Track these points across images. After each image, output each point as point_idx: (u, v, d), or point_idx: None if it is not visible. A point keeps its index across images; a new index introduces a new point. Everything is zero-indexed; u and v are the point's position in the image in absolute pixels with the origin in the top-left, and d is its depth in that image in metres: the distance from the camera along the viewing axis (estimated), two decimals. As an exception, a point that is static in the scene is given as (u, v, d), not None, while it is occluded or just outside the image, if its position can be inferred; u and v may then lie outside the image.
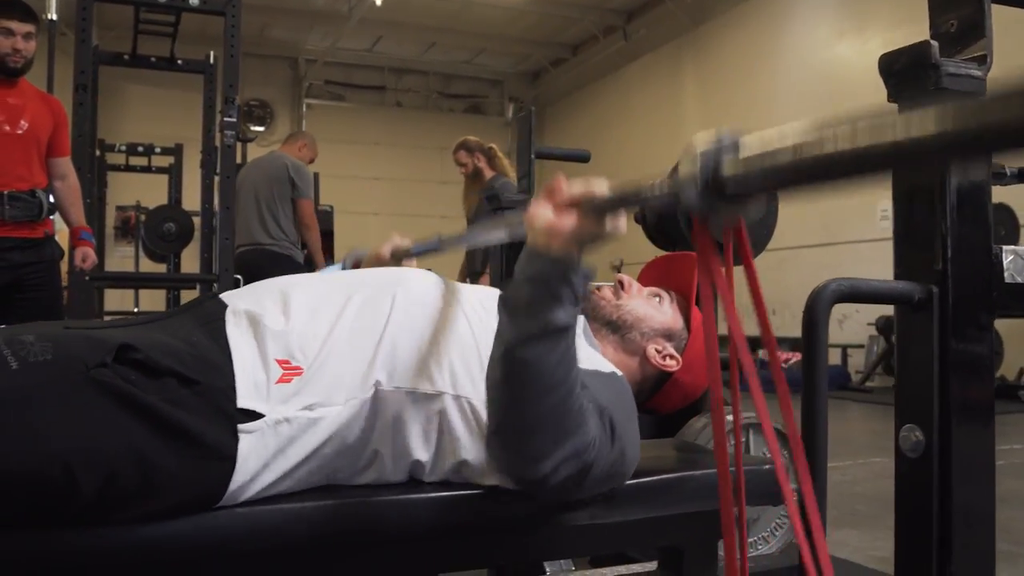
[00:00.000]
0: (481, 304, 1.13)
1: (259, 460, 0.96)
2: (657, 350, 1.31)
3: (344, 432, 1.00)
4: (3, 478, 0.86)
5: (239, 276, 3.93)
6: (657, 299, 1.37)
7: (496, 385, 0.95)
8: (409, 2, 11.37)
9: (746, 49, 10.17)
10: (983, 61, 0.86)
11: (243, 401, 0.96)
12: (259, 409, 0.96)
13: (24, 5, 3.05)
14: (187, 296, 10.44)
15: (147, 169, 7.97)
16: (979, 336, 0.89)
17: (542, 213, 0.90)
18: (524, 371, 0.90)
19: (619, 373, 1.17)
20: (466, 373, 1.05)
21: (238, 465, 0.94)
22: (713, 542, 1.35)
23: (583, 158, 2.18)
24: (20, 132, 2.96)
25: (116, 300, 8.72)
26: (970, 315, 0.89)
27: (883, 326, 7.58)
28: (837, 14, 8.93)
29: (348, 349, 1.02)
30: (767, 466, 1.29)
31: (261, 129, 13.40)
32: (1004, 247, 0.91)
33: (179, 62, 4.98)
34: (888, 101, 0.96)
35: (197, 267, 9.20)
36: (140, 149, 7.51)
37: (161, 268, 8.41)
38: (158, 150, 7.61)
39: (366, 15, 11.30)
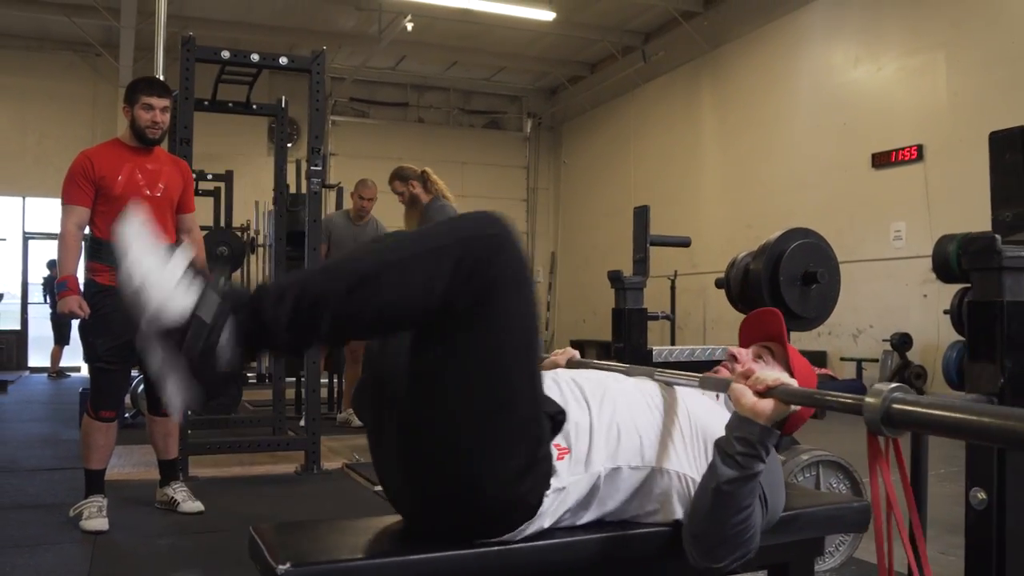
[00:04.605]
0: (662, 396, 1.56)
1: (544, 512, 1.40)
2: None
3: (587, 494, 1.44)
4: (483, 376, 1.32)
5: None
6: (761, 359, 1.77)
7: (702, 508, 1.38)
8: (434, 24, 11.79)
9: (762, 73, 10.55)
10: (1031, 245, 1.28)
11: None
12: (551, 481, 1.40)
13: (162, 83, 3.47)
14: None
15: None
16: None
17: (748, 396, 1.34)
18: (724, 500, 1.34)
19: None
20: (663, 449, 1.48)
21: (538, 513, 1.38)
22: (811, 560, 1.78)
23: (685, 244, 2.62)
24: (159, 195, 3.38)
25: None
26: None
27: (897, 342, 7.95)
28: (852, 41, 9.28)
29: (596, 437, 1.45)
30: (854, 503, 1.73)
31: (288, 146, 13.83)
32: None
33: (254, 106, 5.37)
34: (963, 269, 1.37)
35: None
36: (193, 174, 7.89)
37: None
38: (209, 176, 8.02)
39: (396, 37, 11.74)
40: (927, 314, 7.93)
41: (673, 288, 9.80)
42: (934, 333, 7.82)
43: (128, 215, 1.29)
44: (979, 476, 1.30)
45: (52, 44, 12.53)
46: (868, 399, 1.10)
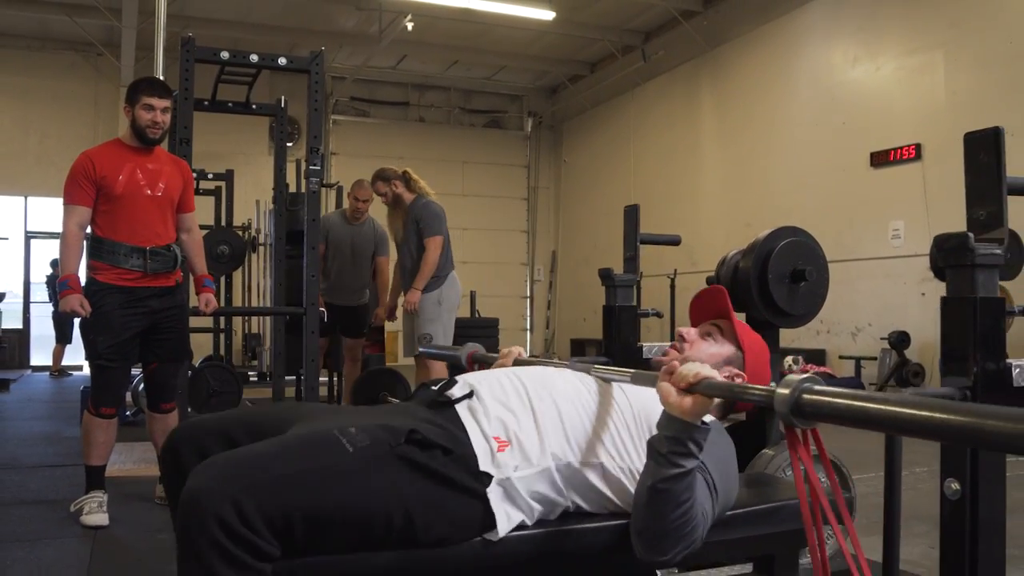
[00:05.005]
0: (599, 391, 1.59)
1: (502, 508, 1.42)
2: (726, 376, 1.70)
3: (545, 487, 1.47)
4: (348, 517, 1.32)
5: (322, 310, 4.40)
6: (710, 336, 1.80)
7: (641, 505, 1.40)
8: (435, 24, 11.83)
9: (762, 72, 10.58)
10: (1002, 242, 1.31)
11: (482, 466, 1.43)
12: (490, 472, 1.43)
13: (162, 83, 3.51)
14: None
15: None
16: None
17: (673, 395, 1.34)
18: (661, 497, 1.35)
19: (710, 420, 1.60)
20: (611, 443, 1.52)
21: (496, 514, 1.41)
22: (796, 551, 1.81)
23: (674, 242, 2.65)
24: (159, 194, 3.41)
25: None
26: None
27: (896, 341, 7.97)
28: (851, 40, 9.32)
29: (542, 431, 1.48)
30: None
31: (289, 145, 13.86)
32: (1012, 361, 1.35)
33: (253, 106, 5.41)
34: (939, 266, 1.40)
35: (240, 292, 9.61)
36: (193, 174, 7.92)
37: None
38: (210, 176, 8.05)
39: (396, 36, 11.78)
40: (925, 312, 7.97)
41: (673, 286, 9.83)
42: (932, 331, 7.85)
43: None
44: (953, 468, 1.33)
45: (54, 44, 12.59)
46: (779, 391, 1.11)
